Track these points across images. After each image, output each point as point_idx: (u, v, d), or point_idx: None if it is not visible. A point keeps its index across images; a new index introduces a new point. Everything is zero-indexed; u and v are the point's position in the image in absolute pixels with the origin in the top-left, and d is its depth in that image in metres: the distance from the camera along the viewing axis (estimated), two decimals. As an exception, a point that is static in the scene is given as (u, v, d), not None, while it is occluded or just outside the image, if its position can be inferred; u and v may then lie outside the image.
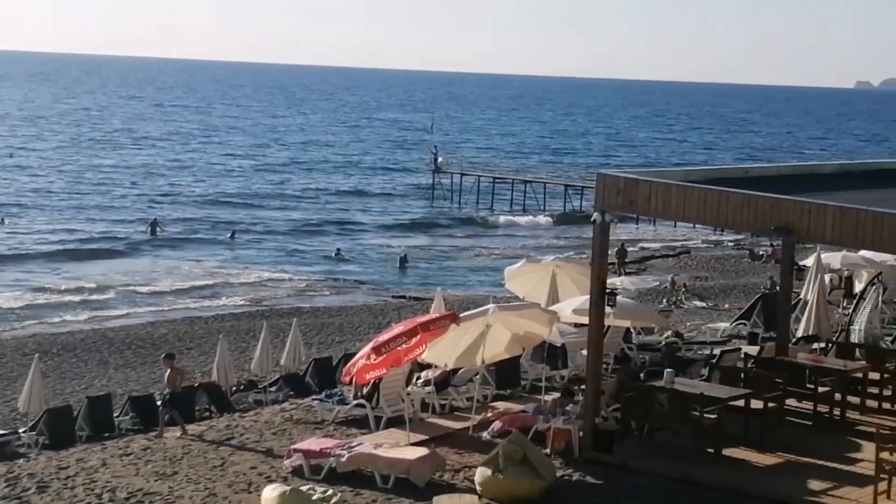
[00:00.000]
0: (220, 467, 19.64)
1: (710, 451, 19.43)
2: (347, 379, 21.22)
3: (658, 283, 49.33)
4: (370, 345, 20.38)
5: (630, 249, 61.89)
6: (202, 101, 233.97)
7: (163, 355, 26.22)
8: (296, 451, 19.30)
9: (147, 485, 18.78)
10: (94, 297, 51.04)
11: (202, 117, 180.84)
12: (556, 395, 22.10)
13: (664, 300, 45.92)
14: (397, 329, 20.54)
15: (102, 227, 71.52)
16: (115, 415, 26.68)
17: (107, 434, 25.16)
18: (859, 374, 22.99)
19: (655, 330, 31.11)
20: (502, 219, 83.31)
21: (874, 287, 28.47)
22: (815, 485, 18.16)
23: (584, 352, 21.79)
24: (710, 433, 19.58)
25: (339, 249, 66.29)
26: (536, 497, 17.75)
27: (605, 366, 24.03)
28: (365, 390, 22.08)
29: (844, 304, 34.39)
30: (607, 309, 20.50)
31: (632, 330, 28.65)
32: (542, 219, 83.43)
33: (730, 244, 71.59)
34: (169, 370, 23.69)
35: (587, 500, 17.89)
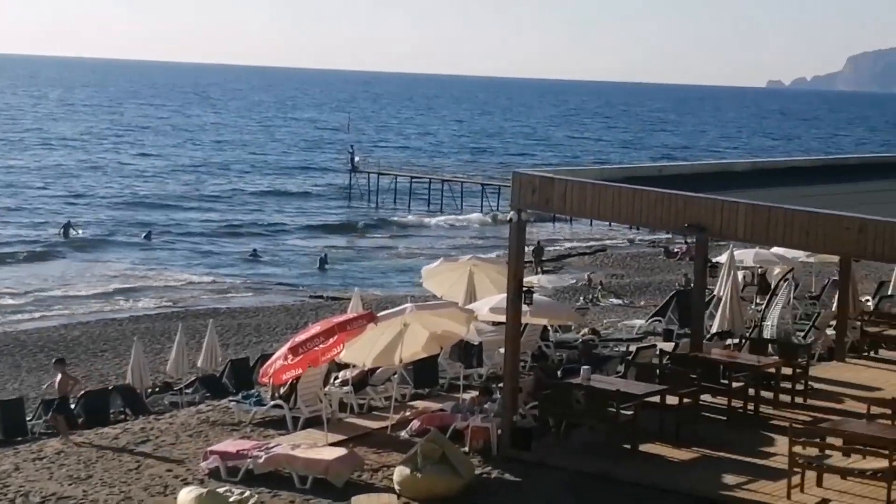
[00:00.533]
0: (136, 470, 19.41)
1: (627, 447, 19.58)
2: (265, 380, 21.10)
3: (575, 280, 49.62)
4: (287, 345, 20.27)
5: (547, 248, 62.24)
6: (114, 100, 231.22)
7: (53, 360, 25.88)
8: (212, 453, 19.14)
9: (61, 489, 18.51)
10: (7, 300, 50.25)
11: (115, 117, 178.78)
12: (474, 393, 22.15)
13: (581, 298, 46.25)
14: (315, 329, 20.45)
15: (14, 230, 70.40)
16: (28, 418, 26.28)
17: (19, 438, 24.76)
18: (772, 370, 23.31)
19: (572, 327, 31.31)
20: (432, 219, 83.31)
21: (786, 283, 28.89)
22: (729, 479, 18.38)
23: (502, 350, 21.85)
24: (626, 429, 19.74)
25: (255, 249, 65.91)
26: (455, 495, 17.78)
27: (522, 364, 24.10)
28: (282, 391, 21.95)
29: (757, 301, 34.85)
30: (524, 307, 20.60)
31: (549, 328, 28.80)
32: (477, 216, 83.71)
33: (645, 242, 72.27)
34: (60, 375, 23.37)
35: (505, 498, 17.94)
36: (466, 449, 19.65)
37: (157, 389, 29.29)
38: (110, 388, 28.19)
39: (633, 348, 26.14)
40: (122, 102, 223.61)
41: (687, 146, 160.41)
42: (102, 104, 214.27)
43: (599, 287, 48.88)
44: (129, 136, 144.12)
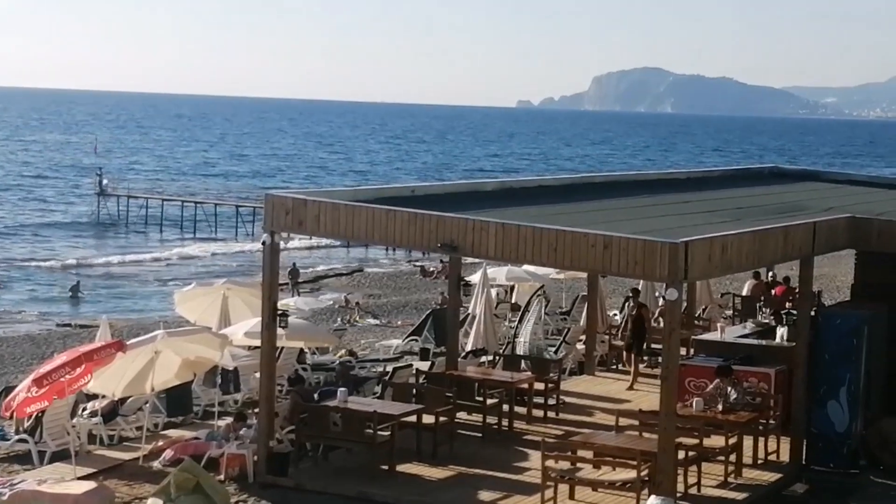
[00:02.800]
0: None
1: (385, 467, 19.59)
2: (8, 413, 20.28)
3: (332, 301, 49.48)
4: (31, 376, 19.55)
5: (303, 270, 61.91)
6: None
7: None
8: (-49, 492, 18.20)
9: None
10: None
11: None
12: (230, 419, 21.78)
13: (338, 319, 46.08)
14: (60, 359, 19.77)
15: None
16: None
17: None
18: (525, 385, 23.74)
19: (330, 349, 31.20)
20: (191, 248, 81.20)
21: (537, 299, 29.52)
22: (485, 495, 18.58)
23: (258, 374, 21.58)
24: (383, 450, 19.74)
25: None
26: (210, 525, 17.40)
27: (279, 388, 23.86)
28: (27, 424, 21.11)
29: (510, 317, 35.49)
30: (279, 330, 20.42)
31: (306, 350, 28.62)
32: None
33: (402, 261, 72.73)
34: None
35: (262, 525, 17.68)
36: (222, 477, 19.29)
37: None
38: None
39: (389, 368, 26.22)
40: None
41: (445, 165, 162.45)
42: None
43: (357, 307, 48.87)
44: None
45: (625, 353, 28.00)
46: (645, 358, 28.09)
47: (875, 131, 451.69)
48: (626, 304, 35.16)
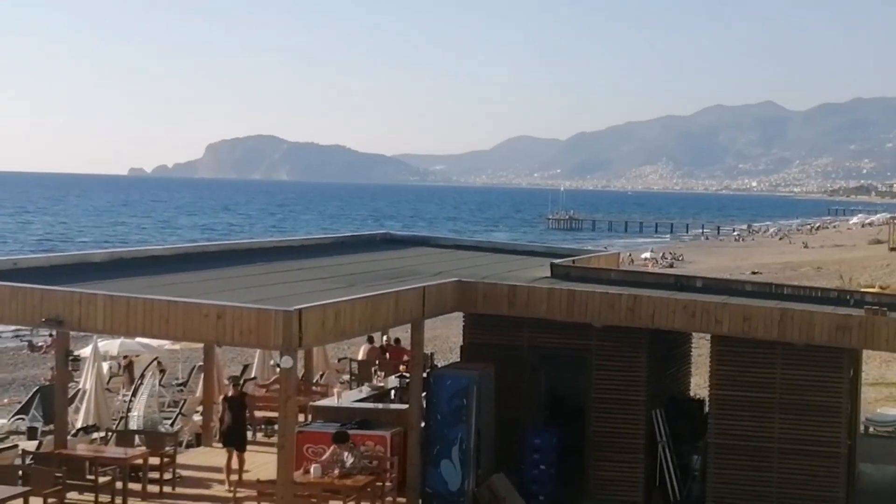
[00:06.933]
0: None
1: (-13, 557, 18.48)
2: None
3: (-71, 383, 46.55)
4: None
5: None
6: None
7: None
8: None
9: None
10: None
11: None
12: None
13: (-65, 402, 43.41)
14: None
15: None
16: None
17: None
18: (140, 461, 23.05)
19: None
20: None
21: (151, 372, 28.84)
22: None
23: None
24: (-14, 539, 18.63)
25: None
26: None
27: None
28: None
29: (125, 392, 34.48)
30: None
31: None
32: None
33: (9, 335, 69.42)
34: None
35: None
36: None
37: None
38: None
39: (-7, 450, 24.80)
40: None
41: (62, 235, 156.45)
42: None
43: (-42, 387, 46.17)
44: None
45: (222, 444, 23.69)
46: (263, 426, 27.94)
47: (481, 197, 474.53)
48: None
